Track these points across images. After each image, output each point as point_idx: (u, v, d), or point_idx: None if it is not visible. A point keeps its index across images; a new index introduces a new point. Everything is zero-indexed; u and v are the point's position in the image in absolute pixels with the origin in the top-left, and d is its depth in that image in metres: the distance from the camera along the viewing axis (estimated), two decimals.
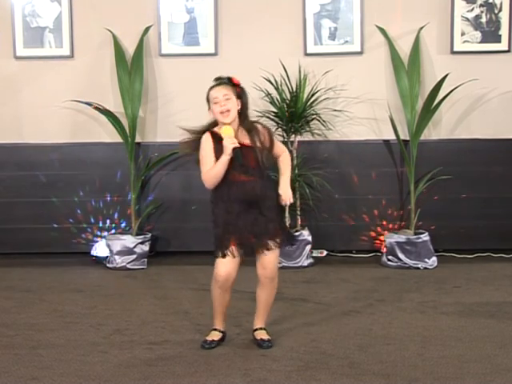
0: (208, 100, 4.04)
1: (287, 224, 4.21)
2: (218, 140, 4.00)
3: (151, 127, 6.43)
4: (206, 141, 4.03)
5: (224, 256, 3.97)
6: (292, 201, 4.07)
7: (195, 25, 6.33)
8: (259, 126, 4.06)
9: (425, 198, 6.25)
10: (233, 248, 3.97)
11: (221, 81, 4.04)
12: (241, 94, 4.02)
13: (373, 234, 6.41)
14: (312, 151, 6.29)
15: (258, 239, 3.99)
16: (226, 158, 3.92)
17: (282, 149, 4.14)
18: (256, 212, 3.98)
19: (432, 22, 6.25)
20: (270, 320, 4.39)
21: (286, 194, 4.03)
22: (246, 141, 4.00)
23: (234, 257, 3.98)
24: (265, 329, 4.18)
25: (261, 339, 4.11)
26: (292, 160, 6.04)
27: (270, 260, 4.03)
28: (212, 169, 3.97)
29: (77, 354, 4.02)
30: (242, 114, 4.04)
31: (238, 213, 3.98)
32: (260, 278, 4.08)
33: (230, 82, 4.03)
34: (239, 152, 3.92)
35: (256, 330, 4.17)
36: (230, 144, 3.90)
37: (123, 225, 6.42)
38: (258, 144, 3.99)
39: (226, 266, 3.98)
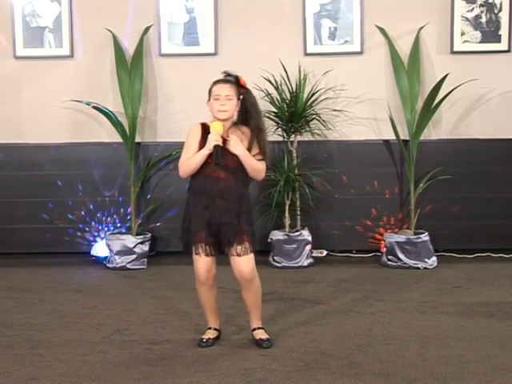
0: (209, 92, 4.02)
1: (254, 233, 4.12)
2: (207, 133, 3.97)
3: (151, 127, 6.44)
4: (194, 131, 4.03)
5: (199, 254, 3.97)
6: (230, 142, 3.91)
7: (195, 25, 6.33)
8: (245, 130, 4.00)
9: (425, 198, 6.25)
10: (207, 247, 3.96)
11: (228, 78, 4.03)
12: (244, 95, 4.00)
13: (373, 233, 6.40)
14: (312, 151, 6.29)
15: (224, 239, 3.96)
16: (205, 151, 3.91)
17: (262, 160, 4.01)
18: (226, 211, 3.94)
19: (432, 22, 6.25)
20: (270, 320, 4.39)
21: (233, 141, 3.90)
22: (245, 143, 3.97)
23: (207, 255, 3.97)
24: (262, 328, 4.17)
25: (260, 339, 4.11)
26: (292, 160, 6.08)
27: (243, 263, 3.97)
28: (190, 159, 3.96)
29: (77, 353, 4.02)
30: (243, 113, 4.01)
31: (208, 208, 3.95)
32: (239, 280, 4.05)
33: (236, 82, 4.01)
34: (219, 151, 3.89)
35: (254, 329, 4.17)
36: (213, 140, 3.88)
37: (123, 225, 6.42)
38: (249, 145, 3.96)
39: (203, 262, 4.00)
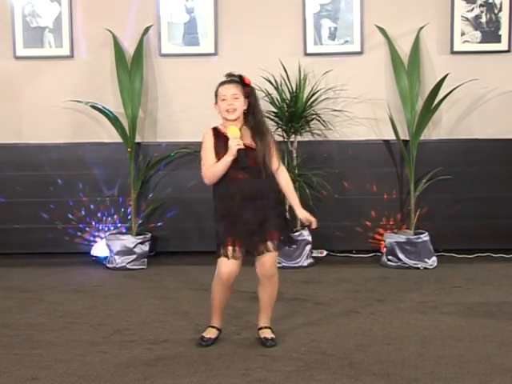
0: (216, 94, 4.04)
1: (289, 224, 4.19)
2: (219, 136, 4.01)
3: (151, 127, 6.43)
4: (208, 138, 4.05)
5: (227, 257, 3.98)
6: (311, 221, 4.09)
7: (195, 25, 6.32)
8: (264, 130, 4.05)
9: (425, 198, 6.25)
10: (236, 248, 3.97)
11: (232, 78, 4.05)
12: (249, 93, 4.03)
13: (373, 233, 6.40)
14: (312, 151, 6.29)
15: (257, 239, 3.99)
16: (229, 158, 3.94)
17: (279, 162, 4.07)
18: (255, 211, 3.98)
19: (432, 22, 6.25)
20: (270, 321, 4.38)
21: (306, 217, 4.08)
22: (248, 140, 4.01)
23: (236, 258, 3.99)
24: (269, 327, 4.18)
25: (264, 338, 4.12)
26: (292, 160, 6.08)
27: (267, 258, 4.03)
28: (214, 167, 3.98)
29: (77, 353, 4.02)
30: (249, 113, 4.04)
31: (238, 211, 3.98)
32: (259, 276, 4.10)
33: (241, 80, 4.03)
34: (243, 154, 3.93)
35: (261, 328, 4.17)
36: (235, 145, 3.92)
37: (123, 225, 6.42)
38: (259, 146, 3.99)
39: (228, 264, 4.00)
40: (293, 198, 4.13)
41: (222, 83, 4.05)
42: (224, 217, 4.02)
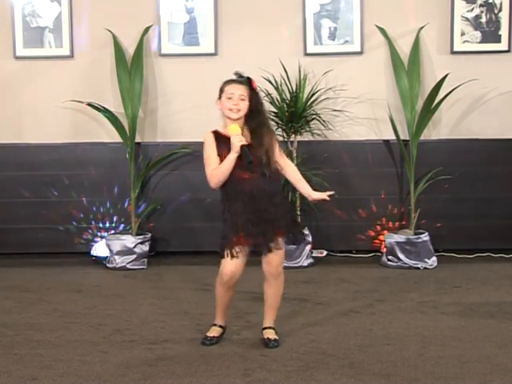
0: (221, 91, 4.03)
1: (297, 222, 4.19)
2: (220, 139, 4.01)
3: (151, 127, 6.43)
4: (208, 141, 4.04)
5: (231, 257, 3.96)
6: (325, 195, 4.09)
7: (195, 25, 6.32)
8: (264, 131, 4.05)
9: (425, 198, 6.25)
10: (240, 248, 3.96)
11: (241, 80, 4.04)
12: (251, 97, 4.02)
13: (373, 234, 6.41)
14: (312, 151, 6.29)
15: (264, 238, 3.98)
16: (233, 155, 3.92)
17: (283, 157, 4.11)
18: (262, 210, 3.97)
19: (432, 22, 6.25)
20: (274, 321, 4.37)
21: (321, 197, 4.08)
22: (249, 140, 4.00)
23: (240, 258, 3.98)
24: (273, 328, 4.17)
25: (267, 338, 4.11)
26: (292, 160, 6.07)
27: (274, 257, 4.03)
28: (218, 167, 3.97)
29: (77, 353, 4.02)
30: (249, 116, 4.03)
31: (244, 211, 3.97)
32: (265, 274, 4.09)
33: (248, 83, 4.03)
34: (247, 150, 3.92)
35: (265, 328, 4.17)
36: (237, 142, 3.91)
37: (123, 225, 6.42)
38: (261, 146, 3.99)
39: (231, 264, 3.99)
40: (304, 186, 4.13)
41: (231, 81, 4.04)
42: (231, 217, 3.99)
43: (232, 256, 3.96)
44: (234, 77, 4.07)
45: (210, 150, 4.02)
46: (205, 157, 4.04)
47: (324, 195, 4.10)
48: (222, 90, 4.04)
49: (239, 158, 3.94)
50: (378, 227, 6.39)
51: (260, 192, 3.97)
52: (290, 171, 4.14)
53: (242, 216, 3.97)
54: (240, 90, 3.99)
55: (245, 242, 3.96)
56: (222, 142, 4.00)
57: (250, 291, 4.90)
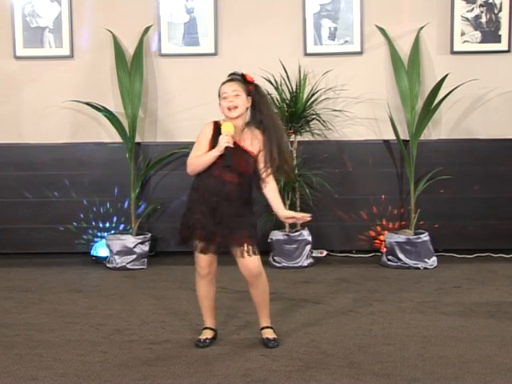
0: (219, 94, 4.02)
1: (255, 236, 4.12)
2: (218, 132, 3.97)
3: (151, 127, 6.43)
4: (206, 130, 4.02)
5: (198, 251, 4.00)
6: (298, 215, 4.07)
7: (195, 25, 6.33)
8: (258, 134, 3.99)
9: (425, 198, 6.25)
10: (203, 243, 3.97)
11: (233, 77, 4.03)
12: (253, 91, 3.99)
13: (373, 234, 6.41)
14: (312, 151, 6.29)
15: (223, 240, 3.97)
16: (216, 153, 3.91)
17: (269, 174, 4.01)
18: (229, 214, 3.94)
19: (432, 22, 6.25)
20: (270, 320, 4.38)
21: (296, 215, 4.06)
22: (246, 144, 3.98)
23: (207, 252, 3.99)
24: (271, 327, 4.17)
25: (266, 338, 4.11)
26: (292, 160, 6.07)
27: (248, 262, 3.98)
28: (199, 157, 3.96)
29: (77, 353, 4.02)
30: (255, 111, 4.00)
31: (210, 208, 3.95)
32: (246, 277, 4.06)
33: (242, 78, 4.00)
34: (230, 153, 3.88)
35: (262, 328, 4.17)
36: (224, 142, 3.88)
37: (123, 225, 6.42)
38: (253, 149, 3.97)
39: (204, 258, 4.03)
40: (279, 204, 4.05)
41: (224, 82, 4.03)
42: (194, 209, 4.00)
43: (197, 250, 4.00)
44: (228, 77, 4.06)
45: (202, 138, 4.00)
46: (196, 142, 4.03)
47: (297, 215, 4.06)
48: (219, 94, 4.03)
49: (222, 156, 3.91)
50: (378, 227, 6.39)
51: (233, 196, 3.94)
52: (273, 190, 4.03)
53: (206, 211, 3.95)
54: (233, 87, 3.96)
55: (199, 237, 3.96)
56: (219, 134, 3.95)
57: (248, 291, 4.90)
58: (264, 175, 3.99)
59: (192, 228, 4.00)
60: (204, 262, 4.05)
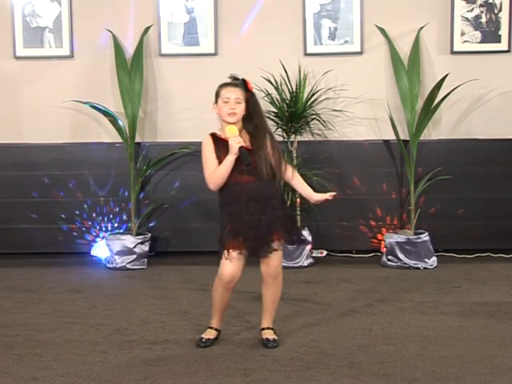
0: (217, 95, 4.02)
1: (295, 223, 4.19)
2: (218, 142, 4.01)
3: (151, 127, 6.43)
4: (207, 143, 4.03)
5: (231, 260, 3.96)
6: (327, 196, 4.14)
7: (195, 25, 6.33)
8: (263, 135, 4.03)
9: (425, 198, 6.25)
10: (240, 251, 3.96)
11: (236, 82, 4.03)
12: (249, 99, 4.01)
13: (372, 234, 6.40)
14: (312, 151, 6.29)
15: (262, 241, 3.98)
16: (232, 157, 3.92)
17: (292, 170, 4.12)
18: (260, 213, 3.97)
19: (432, 22, 6.25)
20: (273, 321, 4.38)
21: (323, 197, 4.12)
22: (247, 143, 4.00)
23: (239, 261, 3.98)
24: (272, 328, 4.17)
25: (266, 339, 4.11)
26: (292, 160, 6.08)
27: (273, 258, 4.02)
28: (217, 169, 3.97)
29: (77, 353, 4.02)
30: (247, 118, 4.02)
31: (243, 214, 3.96)
32: (263, 275, 4.08)
33: (244, 85, 4.02)
34: (246, 152, 3.92)
35: (263, 329, 4.17)
36: (236, 143, 3.90)
37: (123, 225, 6.42)
38: (259, 147, 3.98)
39: (231, 266, 3.98)
40: (307, 190, 4.16)
41: (226, 85, 4.03)
42: (230, 220, 3.99)
43: (231, 259, 3.97)
44: (229, 80, 4.06)
45: (209, 153, 4.01)
46: (203, 160, 4.04)
47: (326, 196, 4.12)
48: (217, 94, 4.02)
49: (237, 160, 3.93)
50: (378, 227, 6.39)
51: (258, 195, 3.97)
52: (297, 178, 4.15)
53: (240, 219, 3.96)
54: (236, 94, 3.97)
55: (243, 245, 3.96)
56: (221, 144, 3.99)
57: (250, 291, 4.90)
58: (288, 172, 4.07)
59: (227, 238, 3.96)
60: (230, 271, 3.98)
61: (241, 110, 3.99)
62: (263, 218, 3.97)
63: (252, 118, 4.03)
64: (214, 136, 4.05)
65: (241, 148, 3.91)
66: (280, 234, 4.01)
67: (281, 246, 4.03)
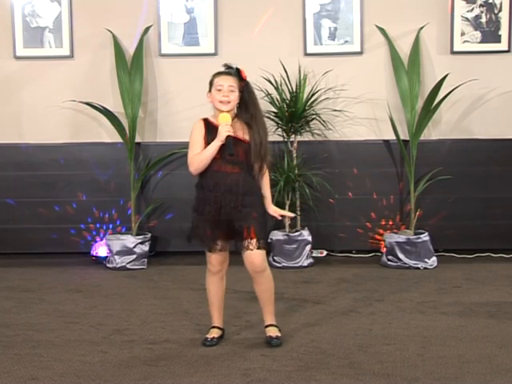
0: (211, 83, 4.03)
1: (265, 226, 4.16)
2: (210, 127, 4.00)
3: (151, 127, 6.44)
4: (197, 127, 4.04)
5: (210, 250, 4.03)
6: (285, 213, 4.28)
7: (195, 25, 6.33)
8: (257, 125, 4.01)
9: (425, 198, 6.25)
10: (215, 241, 4.00)
11: (230, 70, 4.05)
12: (243, 88, 4.01)
13: (373, 234, 6.40)
14: (312, 151, 6.29)
15: (234, 233, 3.99)
16: (217, 143, 3.92)
17: (267, 164, 4.08)
18: (235, 206, 3.96)
19: (432, 22, 6.25)
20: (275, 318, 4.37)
21: (278, 211, 4.14)
22: (239, 134, 3.99)
23: (220, 250, 4.01)
24: (275, 325, 4.17)
25: (269, 336, 4.11)
26: (292, 160, 6.08)
27: (253, 255, 3.98)
28: (200, 153, 3.97)
29: (77, 353, 4.02)
30: (242, 107, 4.02)
31: (218, 203, 3.96)
32: (250, 273, 4.07)
33: (238, 74, 4.02)
34: (231, 141, 3.90)
35: (267, 326, 4.17)
36: (224, 131, 3.90)
37: (123, 225, 6.42)
38: (252, 140, 3.98)
39: (216, 256, 4.04)
40: (269, 197, 4.15)
41: (220, 73, 4.05)
42: (203, 208, 4.00)
43: (210, 250, 4.02)
44: (223, 69, 4.08)
45: (197, 136, 4.01)
46: (190, 142, 4.04)
47: (281, 212, 4.18)
48: (211, 83, 4.04)
49: (222, 148, 3.92)
50: (378, 227, 6.39)
51: (237, 188, 3.96)
52: (266, 182, 4.12)
53: (214, 208, 3.96)
54: (229, 82, 3.98)
55: (221, 235, 3.99)
56: (212, 130, 3.98)
57: (250, 291, 4.87)
58: (258, 169, 4.04)
59: (205, 227, 4.00)
60: (215, 260, 4.07)
61: (234, 98, 3.98)
62: (237, 212, 3.95)
63: (247, 108, 4.02)
64: (206, 121, 4.04)
65: (228, 137, 3.90)
66: (251, 233, 3.96)
67: (255, 245, 3.96)
